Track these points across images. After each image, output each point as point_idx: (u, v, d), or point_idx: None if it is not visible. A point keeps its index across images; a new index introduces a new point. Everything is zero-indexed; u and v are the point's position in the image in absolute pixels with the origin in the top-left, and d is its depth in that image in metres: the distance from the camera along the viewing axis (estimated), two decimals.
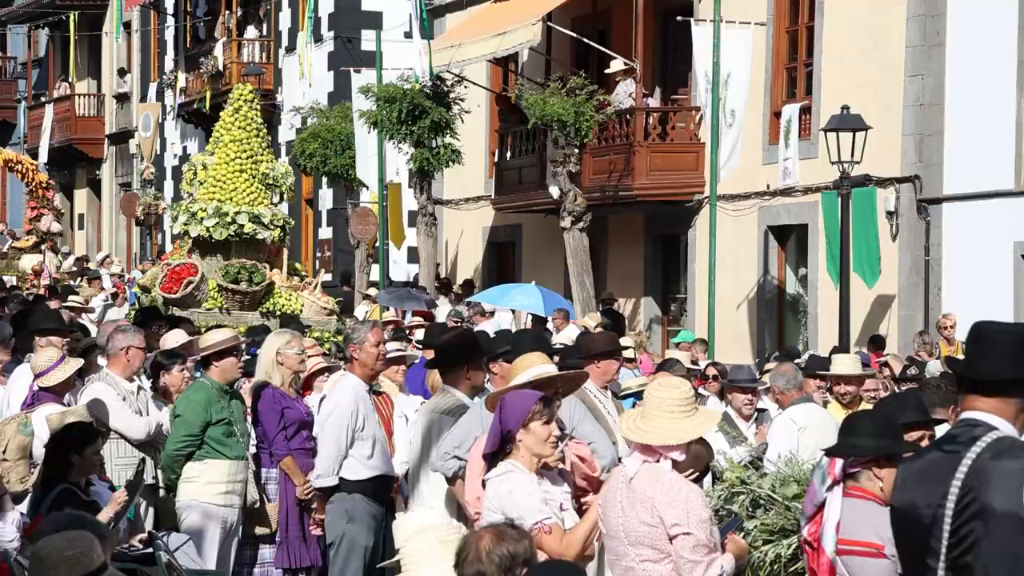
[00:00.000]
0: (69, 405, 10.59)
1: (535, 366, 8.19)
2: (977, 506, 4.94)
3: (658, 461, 6.68)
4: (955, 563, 4.99)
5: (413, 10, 26.46)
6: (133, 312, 19.13)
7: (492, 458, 7.25)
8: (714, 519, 6.87)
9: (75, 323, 13.87)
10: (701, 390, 14.98)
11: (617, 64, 26.00)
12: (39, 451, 10.29)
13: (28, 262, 27.94)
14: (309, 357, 11.78)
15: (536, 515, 6.92)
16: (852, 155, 20.49)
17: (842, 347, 19.07)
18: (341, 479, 10.18)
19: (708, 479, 11.91)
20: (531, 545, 5.40)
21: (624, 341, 18.63)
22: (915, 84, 22.33)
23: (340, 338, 16.86)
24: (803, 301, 24.60)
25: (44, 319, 12.67)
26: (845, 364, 12.74)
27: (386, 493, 10.35)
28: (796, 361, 17.69)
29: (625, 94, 25.99)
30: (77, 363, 11.05)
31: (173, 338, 12.45)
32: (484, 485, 7.32)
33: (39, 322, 12.57)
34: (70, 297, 22.46)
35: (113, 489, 9.69)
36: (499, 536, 5.35)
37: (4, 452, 10.12)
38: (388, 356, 12.22)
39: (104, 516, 8.96)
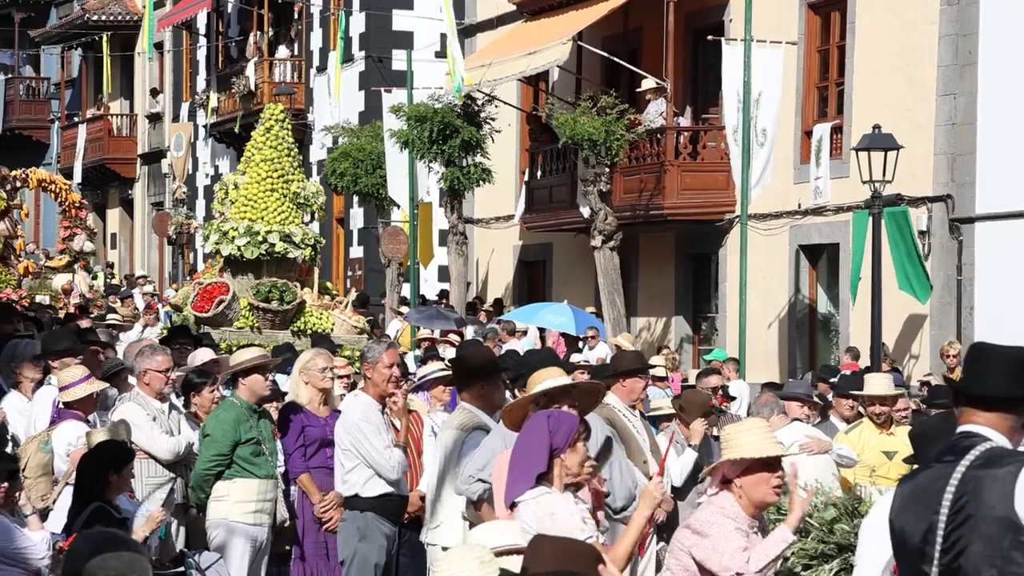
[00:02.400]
0: (94, 425, 10.62)
1: (549, 379, 8.19)
2: (969, 511, 5.12)
3: (726, 490, 6.81)
4: (948, 568, 5.16)
5: (448, 29, 26.51)
6: (164, 331, 19.22)
7: (536, 479, 7.21)
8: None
9: (91, 339, 13.83)
10: (723, 407, 14.97)
11: (648, 83, 25.99)
12: (60, 468, 10.33)
13: (61, 282, 28.04)
14: (340, 377, 11.78)
15: (579, 535, 6.92)
16: (883, 174, 20.43)
17: (874, 368, 18.99)
18: (355, 496, 10.19)
19: None
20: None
21: (654, 360, 18.67)
22: (947, 103, 22.27)
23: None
24: (834, 320, 24.53)
25: (56, 340, 12.63)
26: (878, 384, 12.71)
27: (399, 511, 10.35)
28: (831, 381, 17.68)
29: (656, 113, 25.98)
30: (101, 385, 11.08)
31: (201, 357, 12.46)
32: (513, 507, 7.29)
33: (52, 344, 12.55)
34: (109, 316, 22.51)
35: None
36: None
37: (25, 470, 10.16)
38: (434, 376, 12.27)
39: (140, 535, 8.99)
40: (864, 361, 20.58)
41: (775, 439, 7.10)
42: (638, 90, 26.39)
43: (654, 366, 18.08)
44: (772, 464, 6.92)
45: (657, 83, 25.87)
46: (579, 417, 7.45)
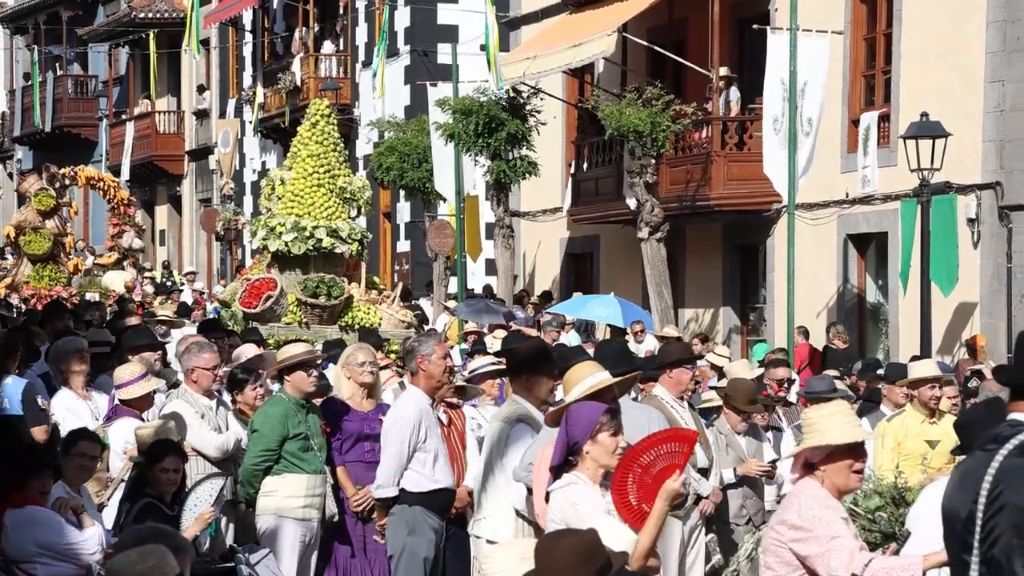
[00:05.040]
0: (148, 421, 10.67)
1: (589, 376, 8.12)
2: (1003, 501, 5.06)
3: (809, 475, 6.66)
4: (985, 557, 5.11)
5: (489, 20, 26.56)
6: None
7: (557, 470, 7.25)
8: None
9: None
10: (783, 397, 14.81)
11: (724, 70, 25.93)
12: (116, 466, 10.38)
13: (111, 279, 28.18)
14: (381, 370, 11.80)
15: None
16: (932, 162, 20.31)
17: (923, 356, 18.89)
18: (403, 491, 10.22)
19: (772, 492, 11.84)
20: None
21: (719, 350, 18.63)
22: (995, 90, 22.12)
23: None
24: (883, 310, 24.41)
25: (136, 337, 12.74)
26: (921, 368, 12.58)
27: (447, 506, 10.37)
28: (878, 372, 17.56)
29: (732, 101, 25.96)
30: (158, 383, 11.14)
31: (247, 352, 12.50)
32: (548, 497, 7.32)
33: (132, 340, 12.64)
34: (160, 312, 22.60)
35: None
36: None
37: None
38: (483, 371, 12.28)
39: (190, 533, 9.03)
40: (913, 348, 20.48)
41: (857, 424, 6.84)
42: (714, 78, 26.22)
43: (701, 356, 18.02)
44: (855, 450, 6.66)
45: (731, 74, 25.82)
46: (606, 406, 7.37)
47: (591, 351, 12.70)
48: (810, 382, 12.98)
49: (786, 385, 14.02)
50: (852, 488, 6.82)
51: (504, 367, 11.18)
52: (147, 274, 30.09)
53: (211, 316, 23.04)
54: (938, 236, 21.05)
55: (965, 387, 17.41)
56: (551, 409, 8.43)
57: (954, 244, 21.45)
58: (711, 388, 13.53)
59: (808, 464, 6.69)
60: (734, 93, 25.94)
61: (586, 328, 27.09)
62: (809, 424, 6.73)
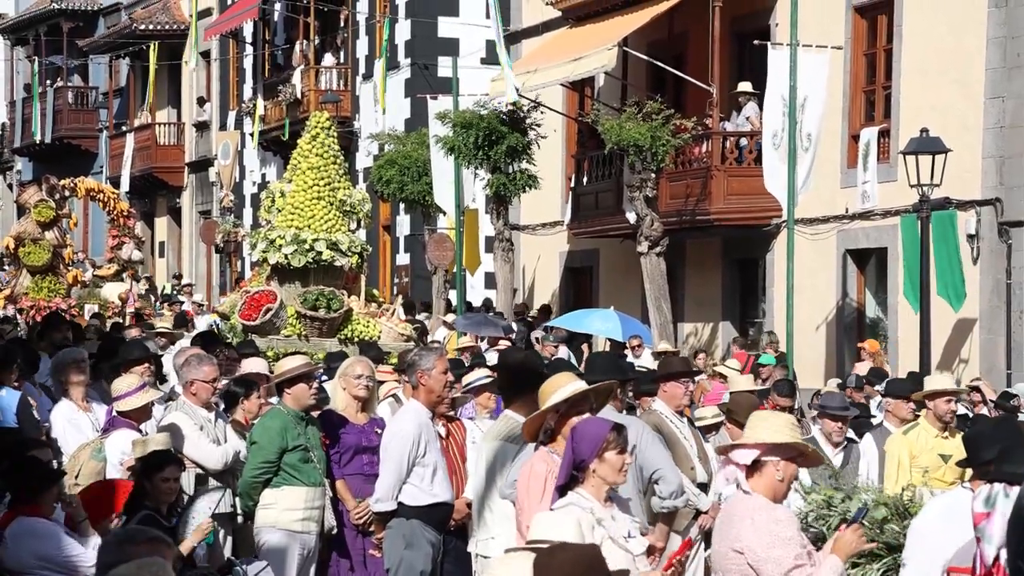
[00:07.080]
0: (146, 433, 10.65)
1: (565, 386, 8.10)
2: None
3: (752, 473, 6.68)
4: None
5: (496, 35, 26.54)
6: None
7: (563, 488, 7.20)
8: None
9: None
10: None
11: (745, 85, 25.94)
12: (113, 477, 10.37)
13: (110, 290, 28.19)
14: (383, 383, 11.79)
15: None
16: (932, 178, 20.32)
17: (923, 372, 18.87)
18: (400, 504, 10.20)
19: (790, 501, 11.80)
20: None
21: (731, 363, 18.58)
22: (995, 106, 22.13)
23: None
24: (883, 325, 24.41)
25: (131, 350, 12.77)
26: (941, 381, 12.47)
27: (445, 520, 10.35)
28: (877, 388, 17.50)
29: (744, 117, 25.95)
30: (156, 394, 11.14)
31: (250, 366, 12.50)
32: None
33: (127, 353, 12.66)
34: (159, 324, 22.63)
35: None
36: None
37: (77, 477, 10.21)
38: (478, 383, 12.26)
39: (187, 546, 9.02)
40: (912, 363, 20.46)
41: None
42: (731, 92, 26.22)
43: (700, 371, 18.01)
44: (798, 460, 6.91)
45: (753, 91, 25.85)
46: (612, 423, 7.34)
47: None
48: (825, 397, 12.95)
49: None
50: (784, 494, 6.92)
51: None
52: (138, 286, 30.02)
53: (203, 328, 23.00)
54: (940, 252, 21.07)
55: (1003, 403, 17.37)
56: (525, 421, 8.38)
57: (958, 260, 21.44)
58: (722, 401, 13.46)
59: (756, 461, 6.78)
60: (752, 108, 25.87)
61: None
62: (764, 423, 6.89)
